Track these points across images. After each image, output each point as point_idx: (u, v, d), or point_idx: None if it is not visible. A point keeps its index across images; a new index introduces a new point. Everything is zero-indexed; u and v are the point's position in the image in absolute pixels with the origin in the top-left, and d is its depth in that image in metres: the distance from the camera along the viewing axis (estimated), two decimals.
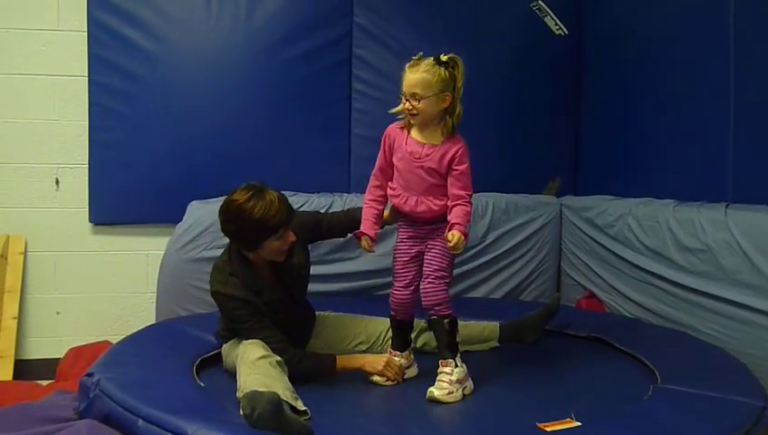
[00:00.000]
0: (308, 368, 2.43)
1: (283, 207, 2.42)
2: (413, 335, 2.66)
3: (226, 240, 3.32)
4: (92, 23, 3.49)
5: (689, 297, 2.95)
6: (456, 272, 3.59)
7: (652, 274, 3.17)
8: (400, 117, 2.40)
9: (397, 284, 2.49)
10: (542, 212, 3.87)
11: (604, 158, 3.82)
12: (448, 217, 2.34)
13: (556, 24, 3.97)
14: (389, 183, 2.46)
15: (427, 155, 2.35)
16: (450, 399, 2.30)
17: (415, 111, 2.30)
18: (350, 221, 2.71)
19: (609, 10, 3.83)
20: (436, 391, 2.30)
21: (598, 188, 3.79)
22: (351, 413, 2.23)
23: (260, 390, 1.94)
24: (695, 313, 2.92)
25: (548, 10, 3.94)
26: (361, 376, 2.50)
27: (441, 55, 2.31)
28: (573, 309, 3.59)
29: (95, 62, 3.50)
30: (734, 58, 2.87)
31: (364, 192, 3.61)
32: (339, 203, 3.53)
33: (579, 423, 2.02)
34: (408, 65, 2.33)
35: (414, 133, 2.39)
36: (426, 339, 2.78)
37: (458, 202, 2.34)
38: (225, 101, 3.61)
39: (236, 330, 2.48)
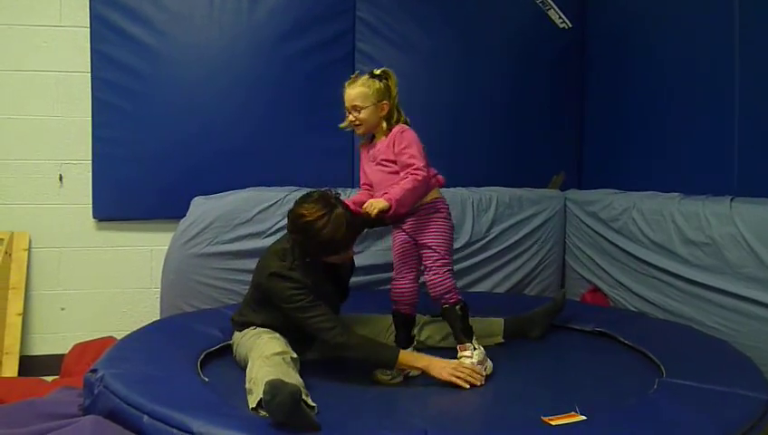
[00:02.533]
0: (363, 354, 2.44)
1: (350, 230, 2.42)
2: (415, 330, 2.66)
3: (230, 236, 3.38)
4: (95, 18, 3.49)
5: (694, 291, 2.94)
6: (460, 266, 3.62)
7: (657, 267, 3.16)
8: (348, 129, 2.61)
9: (395, 276, 2.58)
10: (546, 206, 3.87)
11: (608, 151, 3.81)
12: None
13: (560, 18, 3.95)
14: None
15: (378, 150, 2.53)
16: (475, 381, 2.36)
17: (358, 122, 2.51)
18: None
19: (613, 3, 3.82)
20: None
21: (602, 181, 3.78)
22: (356, 409, 2.23)
23: (284, 380, 1.93)
24: (700, 306, 2.91)
25: (552, 3, 3.93)
26: (366, 373, 2.49)
27: (374, 70, 2.53)
28: (578, 303, 3.58)
29: (98, 58, 3.50)
30: (738, 51, 2.85)
31: None
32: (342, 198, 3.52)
33: (584, 417, 2.01)
34: (346, 84, 2.53)
35: (371, 142, 2.59)
36: (429, 332, 2.78)
37: (406, 174, 2.43)
38: (229, 97, 3.61)
39: (287, 311, 2.44)
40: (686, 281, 2.98)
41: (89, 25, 3.49)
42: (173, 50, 3.58)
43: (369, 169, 2.58)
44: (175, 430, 1.87)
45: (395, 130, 2.49)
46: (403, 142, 2.46)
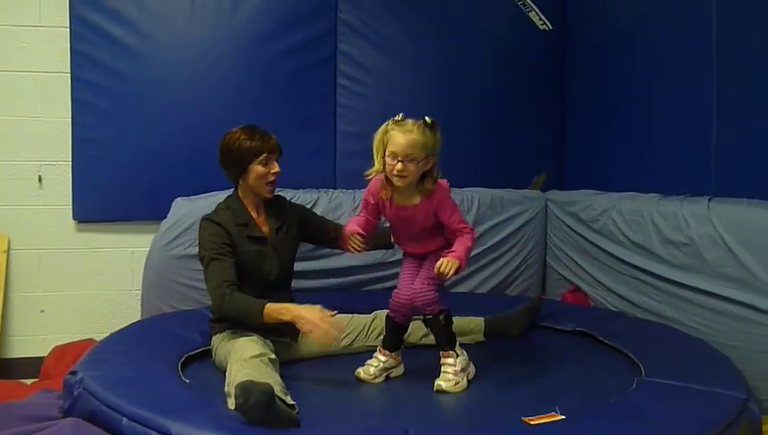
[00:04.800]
0: (234, 311, 2.45)
1: (265, 135, 2.65)
2: None
3: None
4: (75, 19, 3.46)
5: (673, 290, 2.97)
6: None
7: (636, 267, 3.19)
8: (370, 177, 2.40)
9: (399, 286, 2.50)
10: (527, 207, 3.88)
11: (589, 153, 3.84)
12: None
13: (540, 20, 3.97)
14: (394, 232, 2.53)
15: (413, 215, 2.38)
16: (458, 389, 2.36)
17: (405, 173, 2.27)
18: (336, 231, 2.82)
19: (593, 5, 3.84)
20: (443, 384, 2.35)
21: (583, 182, 3.80)
22: (338, 408, 2.24)
23: (254, 380, 1.94)
24: (678, 306, 2.93)
25: (532, 5, 3.95)
26: (348, 372, 2.50)
27: (426, 118, 2.30)
28: (559, 303, 3.61)
29: (78, 58, 3.47)
30: (716, 53, 2.88)
31: (350, 188, 3.66)
32: (324, 199, 3.53)
33: (563, 417, 2.02)
34: (393, 125, 2.29)
35: (396, 198, 2.39)
36: (410, 330, 2.77)
37: (461, 233, 2.39)
38: (210, 98, 3.60)
39: (201, 259, 2.56)
40: (665, 281, 3.01)
41: (68, 26, 3.46)
42: (154, 50, 3.55)
43: (397, 226, 2.45)
44: (154, 433, 1.86)
45: (436, 195, 2.34)
46: (447, 209, 2.36)
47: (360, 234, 2.44)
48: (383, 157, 2.31)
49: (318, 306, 2.40)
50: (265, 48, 3.65)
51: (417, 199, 2.37)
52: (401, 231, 2.48)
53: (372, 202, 2.45)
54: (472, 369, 2.47)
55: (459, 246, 2.35)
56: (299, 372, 2.49)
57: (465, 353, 2.46)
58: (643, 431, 1.92)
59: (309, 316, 2.36)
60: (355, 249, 2.49)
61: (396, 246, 2.66)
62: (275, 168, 2.65)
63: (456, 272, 2.32)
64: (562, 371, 2.63)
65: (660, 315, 3.03)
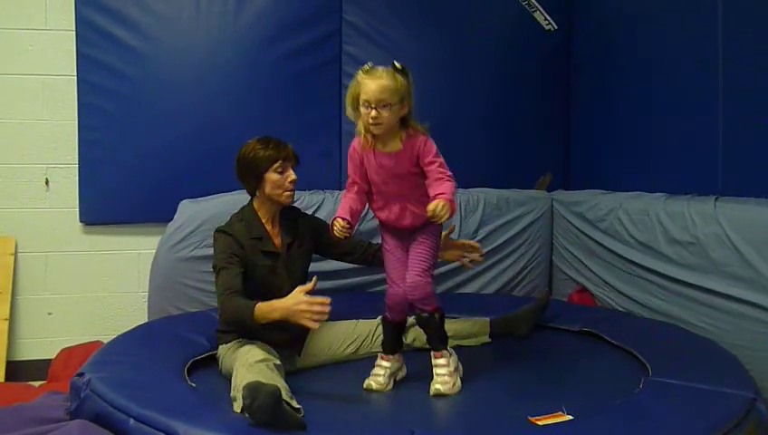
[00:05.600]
0: (231, 316, 2.42)
1: (281, 144, 2.66)
2: None
3: None
4: (80, 22, 3.48)
5: (680, 290, 2.96)
6: (447, 268, 3.62)
7: (643, 267, 3.18)
8: (358, 132, 2.36)
9: (390, 283, 2.46)
10: (533, 207, 3.88)
11: (595, 152, 3.84)
12: (431, 191, 2.27)
13: (546, 20, 3.97)
14: (373, 199, 2.44)
15: (397, 162, 2.32)
16: (455, 390, 2.34)
17: (380, 120, 2.24)
18: (350, 244, 2.81)
19: (598, 5, 3.84)
20: (441, 387, 2.33)
21: (588, 182, 3.80)
22: (343, 410, 2.24)
23: (262, 381, 1.94)
24: (685, 305, 2.93)
25: (537, 5, 3.95)
26: (354, 376, 2.49)
27: (394, 62, 2.30)
28: (565, 303, 3.60)
29: (84, 61, 3.49)
30: (722, 52, 2.87)
31: None
32: (330, 200, 3.52)
33: (570, 417, 2.02)
34: (363, 74, 2.28)
35: (378, 147, 2.34)
36: (415, 334, 2.78)
37: (440, 181, 2.27)
38: (215, 100, 3.61)
39: (213, 268, 2.53)
40: (672, 280, 3.00)
41: (74, 29, 3.48)
42: (159, 53, 3.57)
43: (380, 178, 2.35)
44: (161, 434, 1.87)
45: (419, 140, 2.30)
46: (429, 154, 2.28)
47: (345, 220, 2.32)
48: (356, 109, 2.30)
49: (295, 291, 2.29)
50: (270, 50, 3.66)
51: (399, 145, 2.31)
52: (386, 187, 2.36)
53: (357, 158, 2.39)
54: (460, 366, 2.44)
55: (441, 188, 2.22)
56: (304, 378, 2.50)
57: (454, 351, 2.44)
58: (650, 431, 1.92)
59: (294, 307, 2.26)
60: (340, 235, 2.33)
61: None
62: (292, 175, 2.64)
63: (451, 215, 2.20)
64: (569, 371, 2.63)
65: (667, 315, 3.02)
